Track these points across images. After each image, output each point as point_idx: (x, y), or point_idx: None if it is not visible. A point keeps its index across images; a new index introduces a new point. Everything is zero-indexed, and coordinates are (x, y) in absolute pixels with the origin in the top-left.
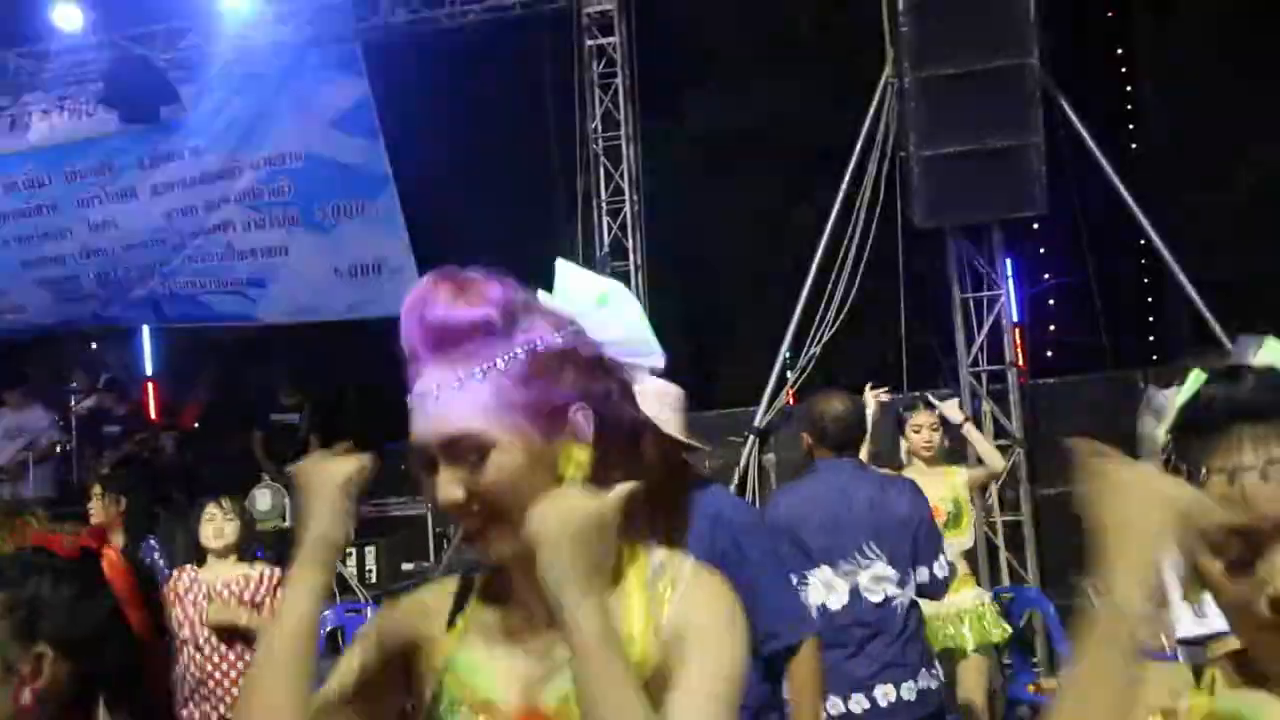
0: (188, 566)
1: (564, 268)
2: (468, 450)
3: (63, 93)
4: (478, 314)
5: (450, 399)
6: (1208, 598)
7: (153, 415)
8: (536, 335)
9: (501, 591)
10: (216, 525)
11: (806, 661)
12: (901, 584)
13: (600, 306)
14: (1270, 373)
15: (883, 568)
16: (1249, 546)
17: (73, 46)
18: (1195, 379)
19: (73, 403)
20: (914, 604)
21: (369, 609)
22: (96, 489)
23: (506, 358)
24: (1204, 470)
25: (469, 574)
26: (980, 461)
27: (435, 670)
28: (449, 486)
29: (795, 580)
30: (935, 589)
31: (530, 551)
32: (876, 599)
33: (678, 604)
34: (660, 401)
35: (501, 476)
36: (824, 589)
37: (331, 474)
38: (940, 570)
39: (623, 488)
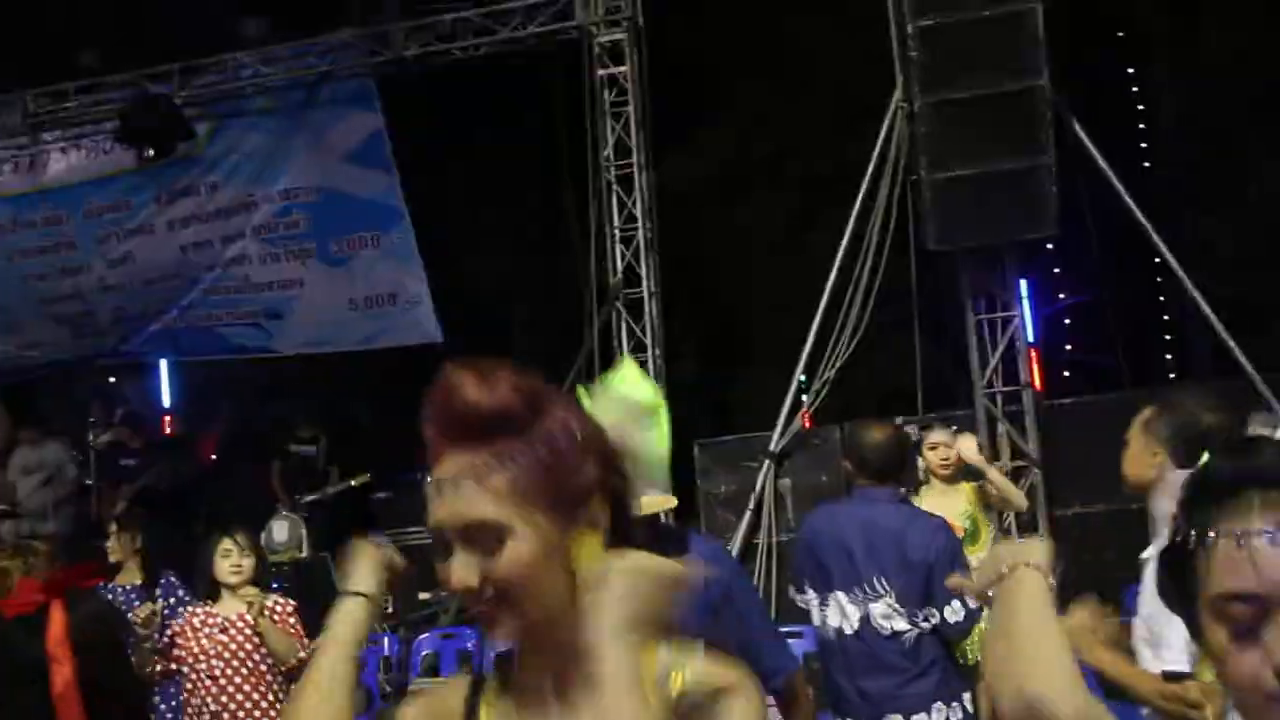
0: (195, 605)
1: (628, 369)
2: (485, 537)
3: (80, 131)
4: (500, 404)
5: (470, 486)
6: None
7: (171, 448)
8: (558, 426)
9: (514, 680)
10: (233, 561)
11: (800, 691)
12: (910, 622)
13: (641, 416)
14: None
15: (891, 603)
16: (1256, 614)
17: (90, 85)
18: (1206, 456)
19: (91, 437)
20: (933, 639)
21: (386, 639)
22: (113, 526)
23: (526, 449)
24: (1212, 534)
25: (479, 672)
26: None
27: None
28: (464, 571)
29: (817, 600)
30: (949, 631)
31: (537, 632)
32: (886, 631)
33: (691, 684)
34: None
35: (516, 564)
36: (838, 613)
37: (387, 560)
38: (953, 615)
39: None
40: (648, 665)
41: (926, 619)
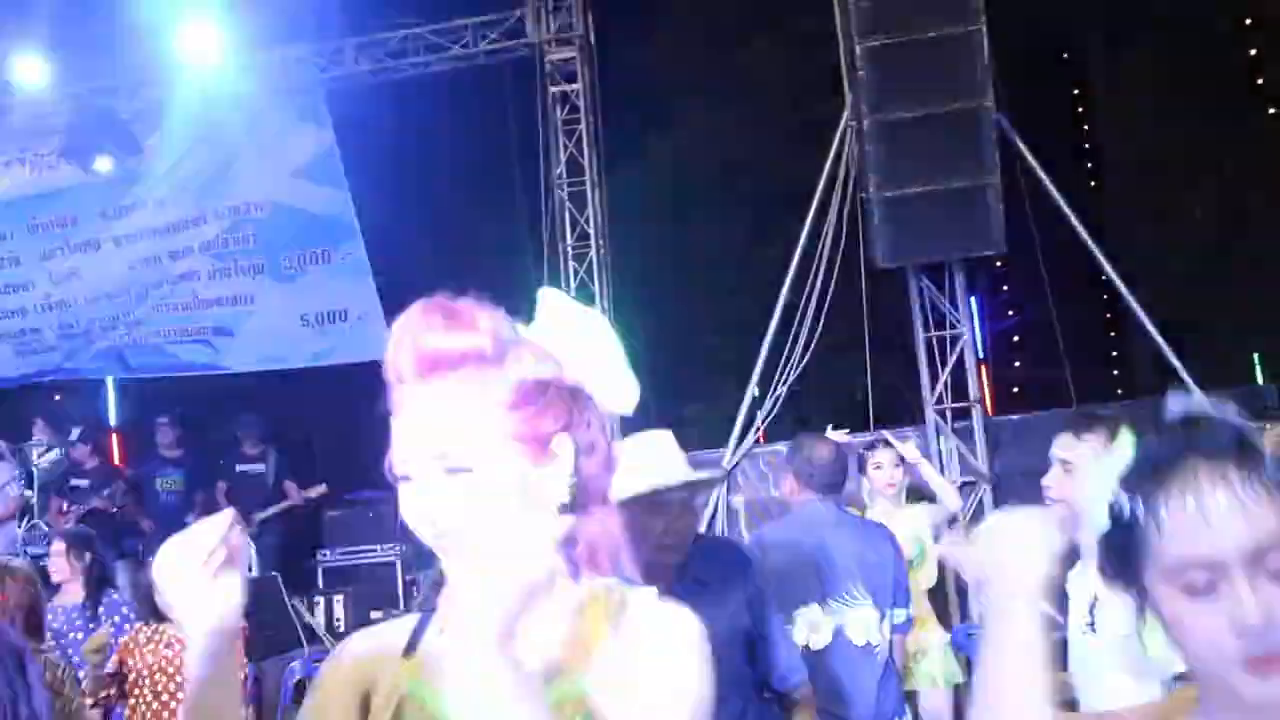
0: (140, 624)
1: (548, 297)
2: (450, 466)
3: (24, 145)
4: (471, 342)
5: (440, 417)
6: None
7: (117, 466)
8: (525, 366)
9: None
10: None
11: (812, 701)
12: (880, 623)
13: (581, 337)
14: (1217, 418)
15: (868, 609)
16: (1213, 579)
17: (34, 99)
18: (1127, 437)
19: (35, 456)
20: (890, 650)
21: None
22: (60, 545)
23: (498, 384)
24: (1160, 505)
25: (428, 611)
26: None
27: (392, 701)
28: (425, 500)
29: (784, 620)
30: (904, 629)
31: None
32: (859, 642)
33: (638, 639)
34: (651, 447)
35: (486, 489)
36: (808, 629)
37: (187, 556)
38: (912, 611)
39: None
40: (597, 603)
41: (894, 618)
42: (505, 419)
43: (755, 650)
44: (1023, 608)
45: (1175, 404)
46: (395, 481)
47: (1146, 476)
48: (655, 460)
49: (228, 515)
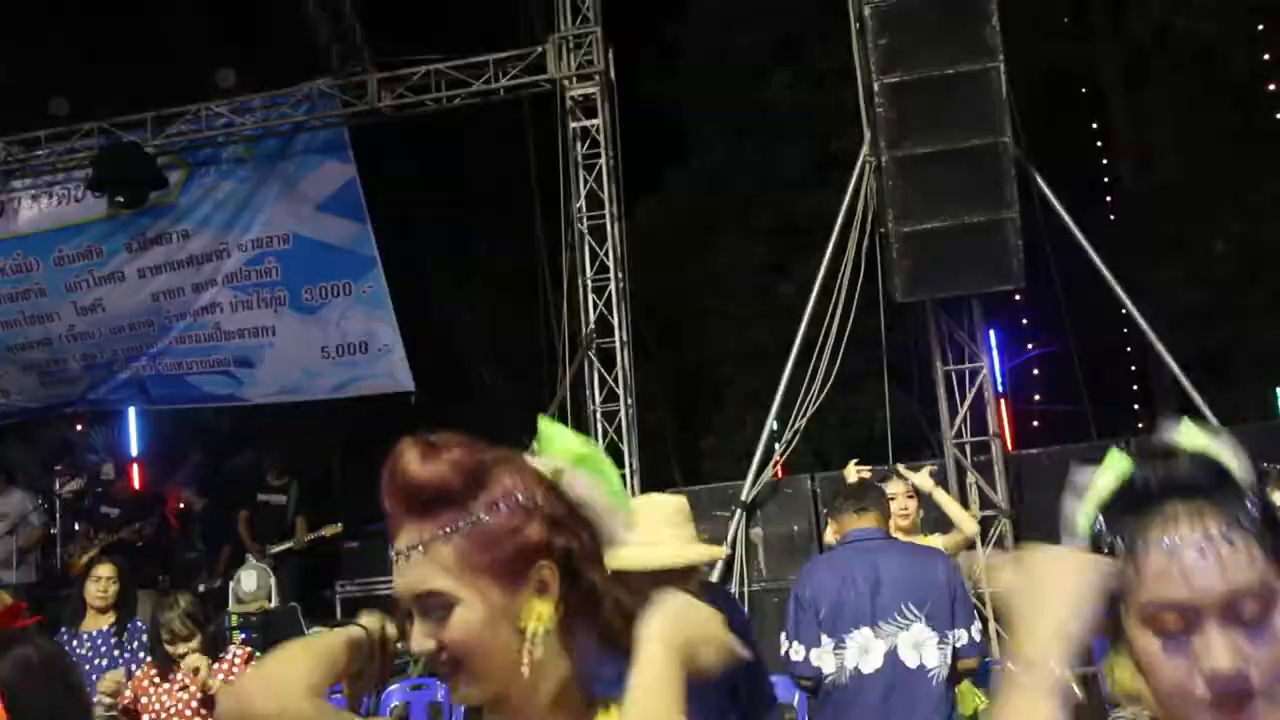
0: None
1: (548, 427)
2: (435, 607)
3: (51, 178)
4: (438, 478)
5: (418, 559)
6: None
7: (138, 498)
8: (499, 495)
9: None
10: (167, 618)
11: None
12: (941, 644)
13: (576, 467)
14: (1201, 453)
15: (921, 629)
16: (1185, 623)
17: (62, 133)
18: (1114, 460)
19: (57, 486)
20: (949, 674)
21: None
22: (109, 569)
23: (466, 521)
24: (1139, 545)
25: None
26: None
27: None
28: (421, 639)
29: (832, 644)
30: (970, 652)
31: (497, 695)
32: (912, 664)
33: None
34: (657, 518)
35: (465, 632)
36: (859, 651)
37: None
38: (977, 634)
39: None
40: None
41: (956, 640)
42: (476, 552)
43: (737, 692)
44: (1042, 672)
45: (1165, 433)
46: (401, 613)
47: (1127, 512)
48: (664, 535)
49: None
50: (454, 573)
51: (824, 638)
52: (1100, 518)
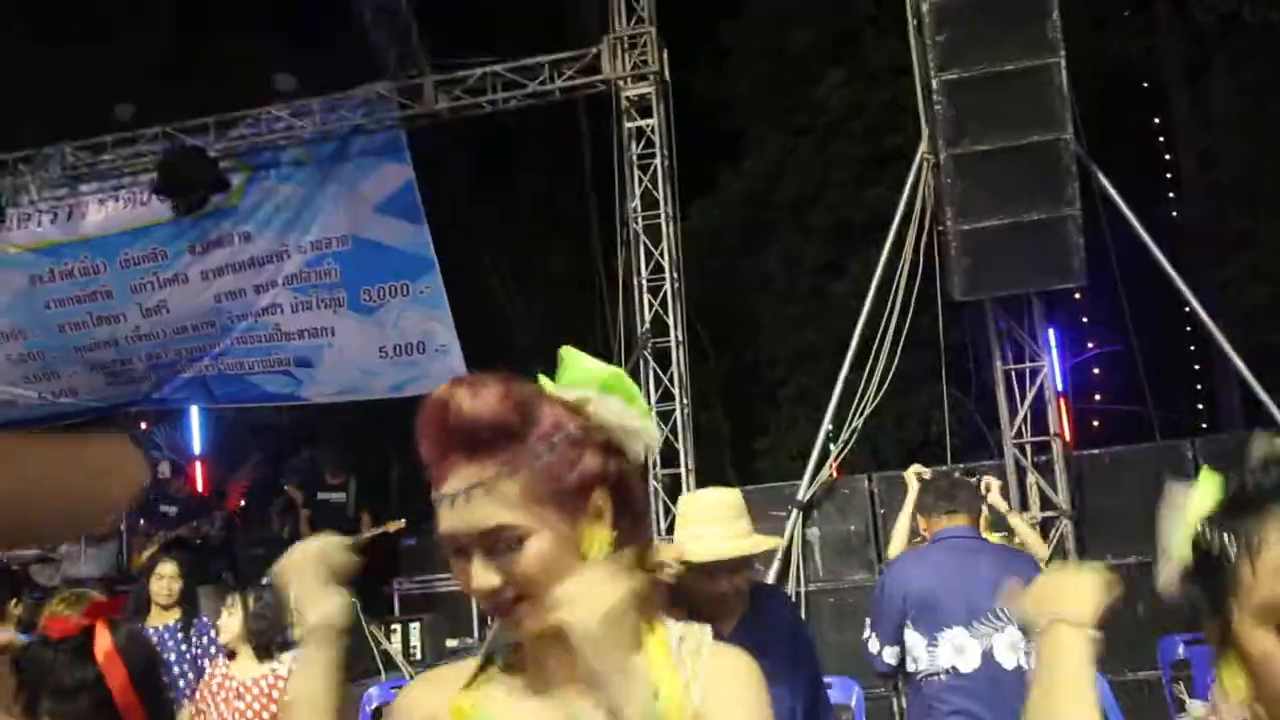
0: (220, 661)
1: (570, 355)
2: (503, 542)
3: (118, 182)
4: (493, 415)
5: (480, 497)
6: None
7: (205, 495)
8: (550, 428)
9: (521, 660)
10: (224, 621)
11: None
12: (1029, 651)
13: (603, 393)
14: None
15: (1014, 632)
16: None
17: (127, 138)
18: (1209, 476)
19: None
20: None
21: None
22: (171, 567)
23: (528, 454)
24: (1255, 543)
25: (491, 654)
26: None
27: None
28: (485, 574)
29: (925, 642)
30: None
31: (555, 627)
32: (1009, 665)
33: (705, 673)
34: (712, 512)
35: (535, 563)
36: (953, 651)
37: (306, 558)
38: None
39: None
40: (659, 640)
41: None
42: (541, 484)
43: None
44: (1075, 643)
45: (1257, 446)
46: (449, 552)
47: (1242, 514)
48: (719, 530)
49: (338, 539)
50: (519, 507)
51: (913, 635)
52: (1206, 527)
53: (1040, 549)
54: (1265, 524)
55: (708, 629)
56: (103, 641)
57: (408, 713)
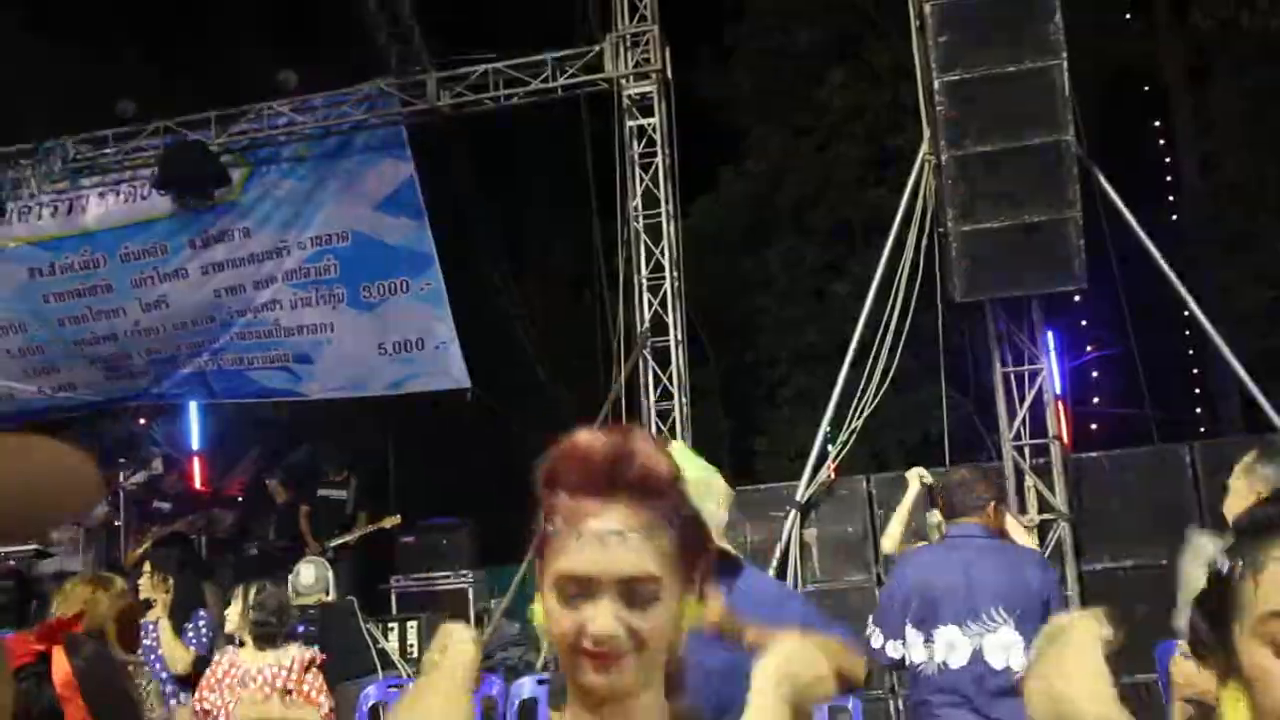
0: (229, 649)
1: (679, 450)
2: (644, 593)
3: (118, 176)
4: (671, 470)
5: (637, 542)
6: None
7: (199, 491)
8: (689, 501)
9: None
10: (229, 611)
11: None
12: (1026, 649)
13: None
14: None
15: (1009, 633)
16: None
17: (129, 132)
18: (1222, 540)
19: (121, 478)
20: None
21: (411, 684)
22: (147, 566)
23: (678, 515)
24: (1260, 561)
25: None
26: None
27: None
28: (610, 620)
29: (921, 638)
30: None
31: (634, 691)
32: (997, 665)
33: None
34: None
35: (665, 622)
36: (946, 648)
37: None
38: None
39: None
40: None
41: None
42: (683, 546)
43: None
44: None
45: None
46: (570, 596)
47: (1249, 537)
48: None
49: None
50: (665, 562)
51: (912, 631)
52: (1222, 555)
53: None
54: (1270, 547)
55: None
56: (60, 668)
57: None
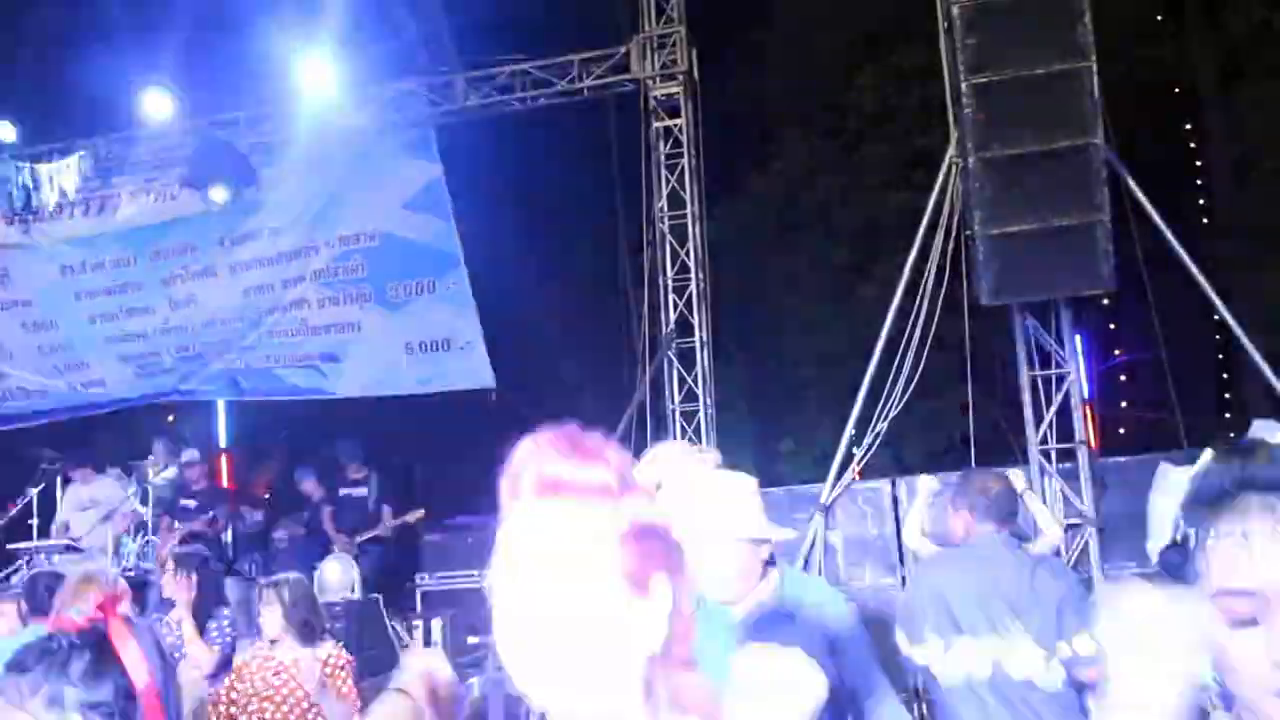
0: (259, 642)
1: (662, 451)
2: (562, 594)
3: (150, 175)
4: (599, 475)
5: (556, 544)
6: None
7: (227, 488)
8: (640, 507)
9: None
10: (264, 618)
11: None
12: (1047, 660)
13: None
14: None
15: (1027, 644)
16: (1255, 609)
17: (160, 132)
18: (1202, 460)
19: (151, 474)
20: (1066, 689)
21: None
22: (170, 564)
23: (615, 520)
24: (1212, 534)
25: None
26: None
27: None
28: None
29: (942, 646)
30: (1075, 666)
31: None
32: (1018, 676)
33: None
34: (733, 494)
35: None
36: (964, 657)
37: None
38: (1084, 648)
39: None
40: None
41: (1060, 654)
42: (617, 553)
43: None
44: None
45: (1256, 429)
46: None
47: (1203, 505)
48: (732, 511)
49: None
50: (590, 565)
51: (931, 637)
52: (1181, 515)
53: (1054, 531)
54: (1221, 517)
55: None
56: (120, 633)
57: None
